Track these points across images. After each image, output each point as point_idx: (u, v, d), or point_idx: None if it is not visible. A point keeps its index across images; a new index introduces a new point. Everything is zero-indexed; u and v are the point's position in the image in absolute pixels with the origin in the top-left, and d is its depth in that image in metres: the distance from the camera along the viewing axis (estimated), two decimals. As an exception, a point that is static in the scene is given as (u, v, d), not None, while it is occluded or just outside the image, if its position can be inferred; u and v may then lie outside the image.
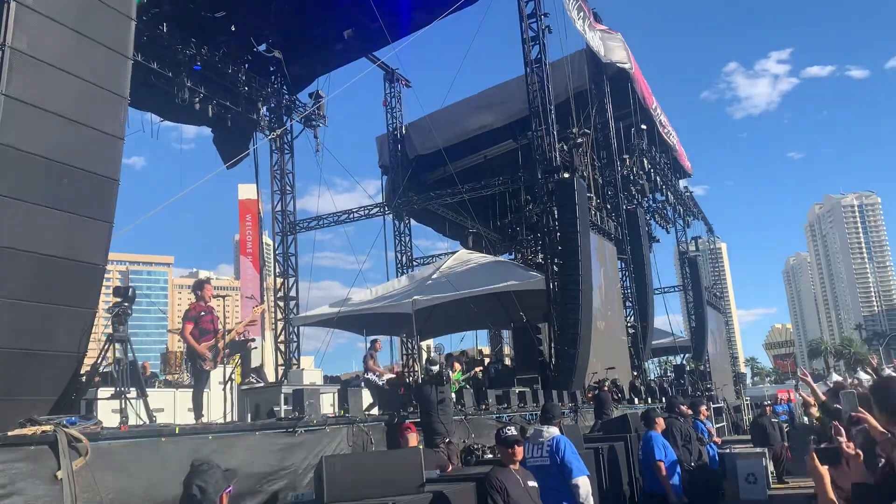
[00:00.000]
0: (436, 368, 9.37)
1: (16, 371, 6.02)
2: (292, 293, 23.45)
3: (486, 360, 23.34)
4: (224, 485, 3.66)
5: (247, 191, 25.39)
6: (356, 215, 26.29)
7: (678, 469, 8.93)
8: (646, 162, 27.90)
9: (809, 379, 8.50)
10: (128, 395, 6.95)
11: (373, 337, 15.36)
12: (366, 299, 21.92)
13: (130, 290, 7.29)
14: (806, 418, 18.00)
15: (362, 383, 13.77)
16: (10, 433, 5.31)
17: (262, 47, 20.51)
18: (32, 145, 6.09)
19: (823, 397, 8.19)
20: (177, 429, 6.51)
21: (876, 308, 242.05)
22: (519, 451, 5.94)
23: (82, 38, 6.56)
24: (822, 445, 3.90)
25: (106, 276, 7.17)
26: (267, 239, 26.35)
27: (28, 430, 5.35)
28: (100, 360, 7.24)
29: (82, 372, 7.14)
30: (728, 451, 14.55)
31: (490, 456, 9.31)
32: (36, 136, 6.14)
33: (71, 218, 6.40)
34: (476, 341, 29.45)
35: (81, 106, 6.54)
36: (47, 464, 5.26)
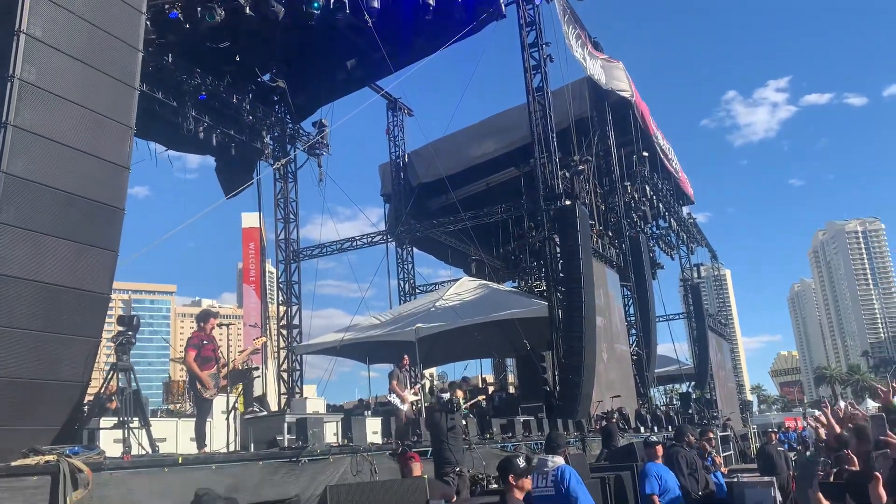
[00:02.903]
0: (446, 396, 9.30)
1: (19, 400, 6.02)
2: (295, 321, 23.40)
3: (491, 389, 23.21)
4: None
5: (250, 219, 25.43)
6: (359, 243, 26.31)
7: (680, 500, 8.79)
8: (648, 188, 27.97)
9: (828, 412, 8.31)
10: (131, 425, 6.91)
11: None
12: (368, 327, 21.88)
13: (135, 318, 7.29)
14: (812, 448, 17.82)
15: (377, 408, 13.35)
16: (13, 463, 5.30)
17: (267, 77, 20.69)
18: (39, 175, 6.15)
19: (837, 428, 8.06)
20: (180, 459, 6.48)
21: (882, 335, 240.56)
22: (529, 482, 5.89)
23: (90, 69, 6.65)
24: (828, 480, 3.86)
25: (109, 304, 7.16)
26: (270, 267, 26.36)
27: (31, 460, 5.33)
28: (103, 389, 7.22)
29: (85, 401, 7.12)
30: (736, 479, 14.38)
31: (495, 486, 9.22)
32: (43, 166, 6.20)
33: (76, 247, 6.44)
34: (480, 369, 29.33)
35: (88, 136, 6.61)
36: (50, 494, 5.22)
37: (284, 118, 22.34)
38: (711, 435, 13.32)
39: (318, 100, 22.56)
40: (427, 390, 15.53)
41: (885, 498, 3.04)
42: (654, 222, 31.59)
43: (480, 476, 9.98)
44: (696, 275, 38.19)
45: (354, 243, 26.20)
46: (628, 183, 26.74)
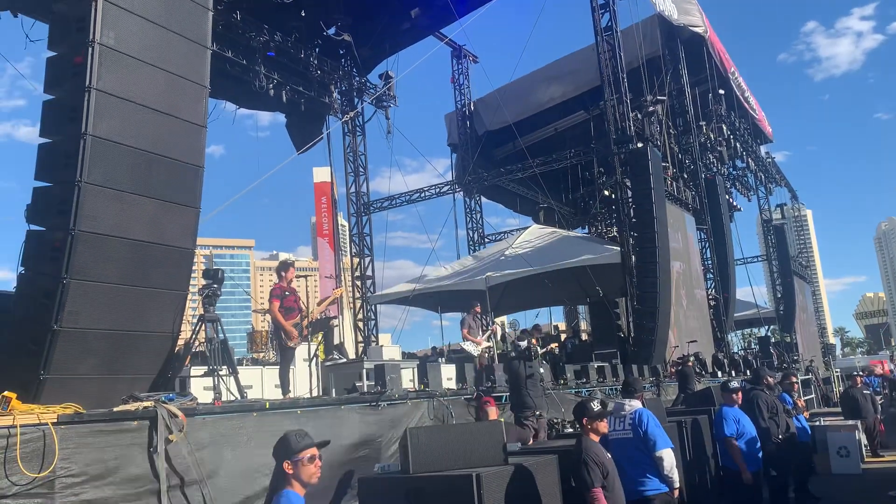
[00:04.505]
0: (524, 344, 9.42)
1: (116, 351, 6.38)
2: (368, 272, 23.86)
3: (563, 336, 23.23)
4: (287, 452, 3.64)
5: (321, 174, 25.86)
6: (427, 194, 26.43)
7: (757, 444, 8.70)
8: (724, 128, 26.95)
9: None
10: (220, 373, 7.26)
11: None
12: (439, 277, 22.11)
13: (220, 272, 7.59)
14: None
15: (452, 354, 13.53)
16: (114, 409, 5.66)
17: (332, 31, 20.72)
18: (122, 136, 6.38)
19: None
20: (267, 404, 6.79)
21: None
22: (604, 425, 5.96)
23: (165, 31, 6.81)
24: None
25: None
26: (342, 220, 26.85)
27: (131, 406, 5.69)
28: (193, 339, 7.58)
29: (176, 351, 7.50)
30: (818, 423, 14.10)
31: (570, 430, 9.32)
32: (125, 127, 6.43)
33: (160, 204, 6.70)
34: (551, 317, 29.30)
35: (166, 97, 6.80)
36: (148, 437, 5.58)
37: (351, 72, 22.40)
38: (794, 379, 13.06)
39: (383, 51, 22.48)
40: (499, 338, 15.67)
41: None
42: (731, 163, 30.52)
43: (556, 420, 10.10)
44: (780, 215, 36.95)
45: (423, 194, 26.34)
46: (703, 123, 25.84)
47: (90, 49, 6.16)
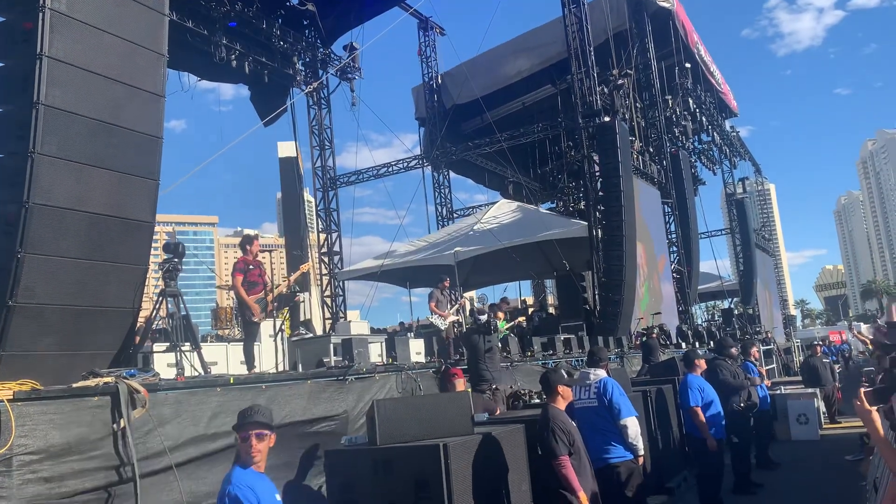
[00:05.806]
0: (483, 318, 9.44)
1: (75, 326, 6.22)
2: (336, 248, 23.69)
3: (530, 310, 23.39)
4: (239, 427, 3.71)
5: (286, 148, 25.48)
6: (395, 169, 26.24)
7: (720, 412, 8.85)
8: (691, 102, 27.15)
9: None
10: (182, 348, 7.14)
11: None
12: (407, 252, 22.04)
13: (180, 245, 7.43)
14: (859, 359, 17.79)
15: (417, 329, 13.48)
16: (74, 385, 5.53)
17: (295, 1, 20.33)
18: (78, 106, 6.16)
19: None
20: (231, 379, 6.70)
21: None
22: (570, 393, 6.01)
23: (118, -5, 6.57)
24: (871, 388, 3.85)
25: (153, 236, 7.28)
26: (308, 196, 26.54)
27: (91, 382, 5.56)
28: (153, 314, 7.43)
29: (137, 327, 7.35)
30: (779, 391, 14.44)
31: (537, 400, 9.39)
32: (80, 96, 6.20)
33: (118, 176, 6.50)
34: (519, 291, 29.45)
35: (122, 65, 6.57)
36: (110, 413, 5.47)
37: (315, 43, 22.03)
38: (755, 349, 13.33)
39: (347, 22, 22.13)
40: (467, 312, 15.70)
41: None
42: (696, 137, 30.81)
43: (522, 392, 10.16)
44: (742, 189, 37.50)
45: (390, 169, 26.14)
46: (669, 97, 25.97)
47: (40, 14, 5.92)
